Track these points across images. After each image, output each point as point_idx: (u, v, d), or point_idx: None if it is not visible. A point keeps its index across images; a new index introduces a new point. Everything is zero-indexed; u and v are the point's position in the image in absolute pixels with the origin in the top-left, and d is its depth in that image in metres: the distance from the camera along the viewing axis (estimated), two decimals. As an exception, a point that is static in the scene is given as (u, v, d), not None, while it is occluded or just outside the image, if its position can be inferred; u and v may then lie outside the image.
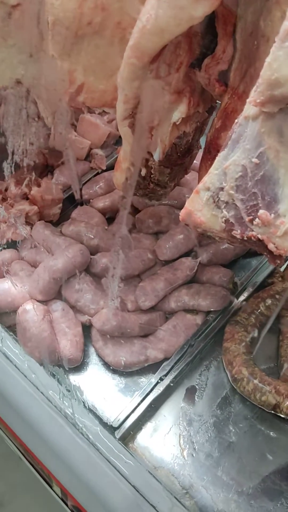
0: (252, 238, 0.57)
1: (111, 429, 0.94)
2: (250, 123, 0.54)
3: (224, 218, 0.60)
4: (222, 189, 0.59)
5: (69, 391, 0.89)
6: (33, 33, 0.81)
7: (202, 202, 0.61)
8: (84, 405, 0.89)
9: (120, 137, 1.43)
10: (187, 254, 1.18)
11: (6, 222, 1.13)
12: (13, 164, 0.71)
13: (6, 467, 1.77)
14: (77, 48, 0.79)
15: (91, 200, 1.28)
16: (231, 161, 0.57)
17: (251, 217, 0.57)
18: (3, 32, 0.83)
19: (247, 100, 0.53)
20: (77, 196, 1.07)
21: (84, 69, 0.82)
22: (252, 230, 0.57)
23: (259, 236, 0.57)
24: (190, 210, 0.63)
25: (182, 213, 0.64)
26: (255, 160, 0.55)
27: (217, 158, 0.59)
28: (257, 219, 0.56)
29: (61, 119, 0.72)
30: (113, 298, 0.83)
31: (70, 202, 1.32)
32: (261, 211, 0.56)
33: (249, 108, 0.54)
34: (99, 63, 0.81)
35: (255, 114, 0.53)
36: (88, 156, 1.38)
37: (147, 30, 0.62)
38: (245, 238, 0.59)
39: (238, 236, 0.59)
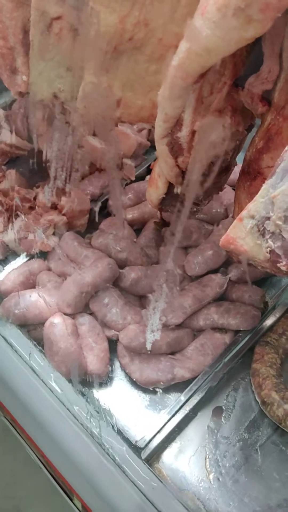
0: (300, 271, 0.55)
1: (137, 449, 0.92)
2: (302, 153, 0.52)
3: (269, 248, 0.57)
4: (268, 218, 0.56)
5: (98, 412, 0.87)
6: (72, 47, 0.80)
7: (245, 230, 0.59)
8: (113, 428, 0.87)
9: (150, 147, 1.42)
10: (216, 270, 1.15)
11: (34, 233, 1.12)
12: (55, 190, 0.70)
13: (24, 472, 1.77)
14: (116, 64, 0.78)
15: (119, 211, 1.27)
16: (280, 190, 0.54)
17: (299, 249, 0.55)
18: (41, 45, 0.82)
19: (301, 130, 0.51)
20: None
21: (122, 85, 0.80)
22: (300, 263, 0.55)
23: (307, 269, 0.55)
24: (232, 238, 0.61)
25: (223, 240, 0.62)
26: (306, 191, 0.52)
27: (263, 185, 0.57)
28: (305, 252, 0.54)
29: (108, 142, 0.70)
30: (154, 330, 0.81)
31: (98, 212, 1.30)
32: (310, 244, 0.54)
33: (302, 137, 0.51)
34: (138, 78, 0.80)
35: (309, 143, 0.51)
36: (117, 166, 1.36)
37: (193, 50, 0.60)
38: (291, 271, 0.56)
39: (283, 268, 0.57)
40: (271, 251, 0.57)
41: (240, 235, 0.60)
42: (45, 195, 0.69)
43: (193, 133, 0.73)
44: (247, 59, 0.71)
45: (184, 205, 0.68)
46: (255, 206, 0.57)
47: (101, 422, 0.87)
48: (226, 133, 0.68)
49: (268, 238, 0.57)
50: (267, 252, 0.58)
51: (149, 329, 0.82)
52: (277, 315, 1.09)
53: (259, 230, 0.58)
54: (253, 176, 0.76)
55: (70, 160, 0.73)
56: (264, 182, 0.72)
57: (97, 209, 1.10)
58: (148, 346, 0.90)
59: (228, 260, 1.14)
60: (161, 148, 0.77)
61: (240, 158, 0.85)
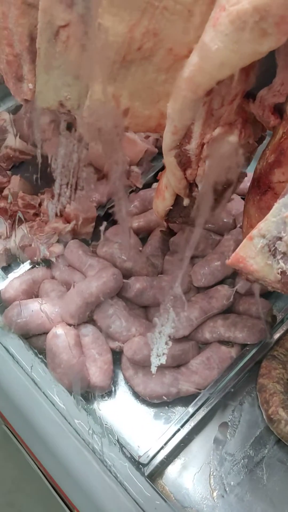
0: (312, 294, 0.53)
1: (140, 465, 0.90)
2: None
3: (280, 269, 0.55)
4: (280, 238, 0.54)
5: (100, 429, 0.85)
6: (80, 55, 0.78)
7: (255, 249, 0.57)
8: (115, 445, 0.85)
9: (157, 154, 1.40)
10: (223, 281, 1.13)
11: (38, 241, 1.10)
12: (59, 205, 0.68)
13: (25, 480, 1.75)
14: (123, 73, 0.76)
15: (125, 219, 1.25)
16: (293, 210, 0.52)
17: (312, 272, 0.53)
18: (48, 52, 0.81)
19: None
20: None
21: (130, 94, 0.79)
22: (312, 286, 0.53)
23: None
24: (242, 256, 0.59)
25: (232, 258, 0.60)
26: None
27: (275, 204, 0.55)
28: None
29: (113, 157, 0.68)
30: (159, 355, 0.79)
31: (104, 219, 1.28)
32: None
33: None
34: (146, 88, 0.78)
35: None
36: (124, 173, 1.34)
37: (204, 63, 0.58)
38: (303, 293, 0.54)
39: (295, 290, 0.55)
40: (282, 272, 0.55)
41: (250, 254, 0.58)
42: (49, 211, 0.67)
43: (202, 145, 0.71)
44: (259, 70, 0.69)
45: (196, 222, 0.66)
46: (266, 225, 0.55)
47: (103, 439, 0.85)
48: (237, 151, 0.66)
49: (280, 259, 0.55)
50: (278, 273, 0.56)
51: (155, 353, 0.80)
52: (285, 329, 1.06)
53: (270, 250, 0.56)
54: (263, 190, 0.74)
55: (75, 177, 0.72)
56: (274, 197, 0.70)
57: (105, 225, 1.08)
58: (153, 370, 0.88)
59: (235, 272, 1.12)
60: (169, 160, 0.75)
61: (250, 168, 0.83)
